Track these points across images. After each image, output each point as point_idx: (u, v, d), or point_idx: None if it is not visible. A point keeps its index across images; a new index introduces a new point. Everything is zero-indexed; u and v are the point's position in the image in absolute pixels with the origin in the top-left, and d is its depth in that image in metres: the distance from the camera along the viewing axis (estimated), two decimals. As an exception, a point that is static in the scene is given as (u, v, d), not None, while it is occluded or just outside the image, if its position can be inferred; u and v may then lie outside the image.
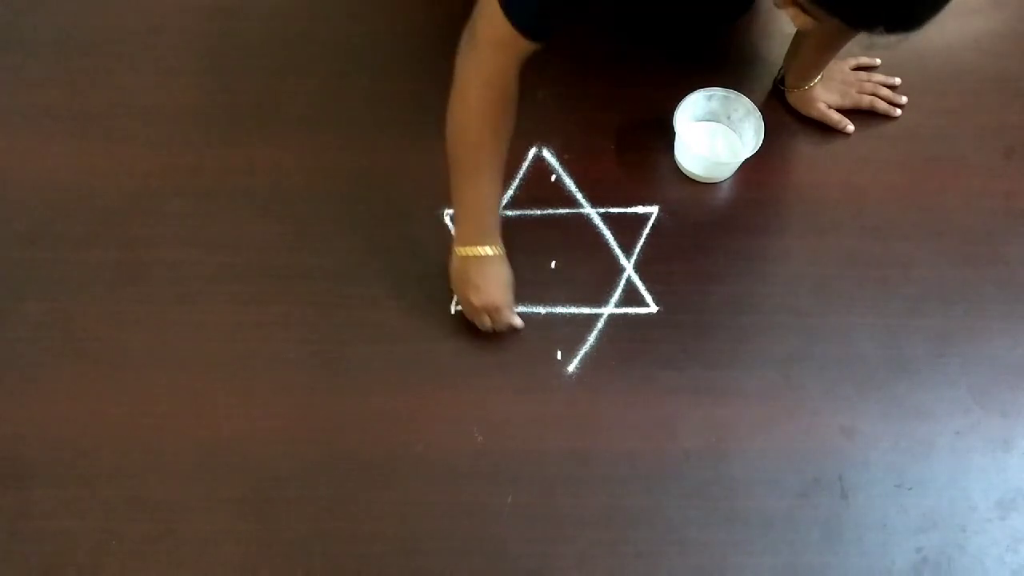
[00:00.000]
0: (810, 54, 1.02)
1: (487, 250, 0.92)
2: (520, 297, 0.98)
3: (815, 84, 1.06)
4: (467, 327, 0.97)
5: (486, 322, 0.94)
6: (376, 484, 0.90)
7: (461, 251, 0.93)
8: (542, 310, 0.98)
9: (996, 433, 0.93)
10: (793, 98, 1.08)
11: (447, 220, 1.03)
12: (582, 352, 0.96)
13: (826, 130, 1.09)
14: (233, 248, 1.02)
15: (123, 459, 0.91)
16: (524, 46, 0.87)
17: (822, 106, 1.07)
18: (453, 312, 0.98)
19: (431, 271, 1.00)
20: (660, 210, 1.04)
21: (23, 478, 0.90)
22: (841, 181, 1.06)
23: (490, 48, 0.88)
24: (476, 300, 0.92)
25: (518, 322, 0.96)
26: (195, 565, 0.87)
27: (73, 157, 1.08)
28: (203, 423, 0.92)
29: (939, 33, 1.18)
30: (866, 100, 1.08)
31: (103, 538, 0.87)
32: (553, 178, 1.06)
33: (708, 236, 1.03)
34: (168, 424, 0.92)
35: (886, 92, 1.10)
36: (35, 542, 0.87)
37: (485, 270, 0.93)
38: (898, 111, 1.09)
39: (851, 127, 1.07)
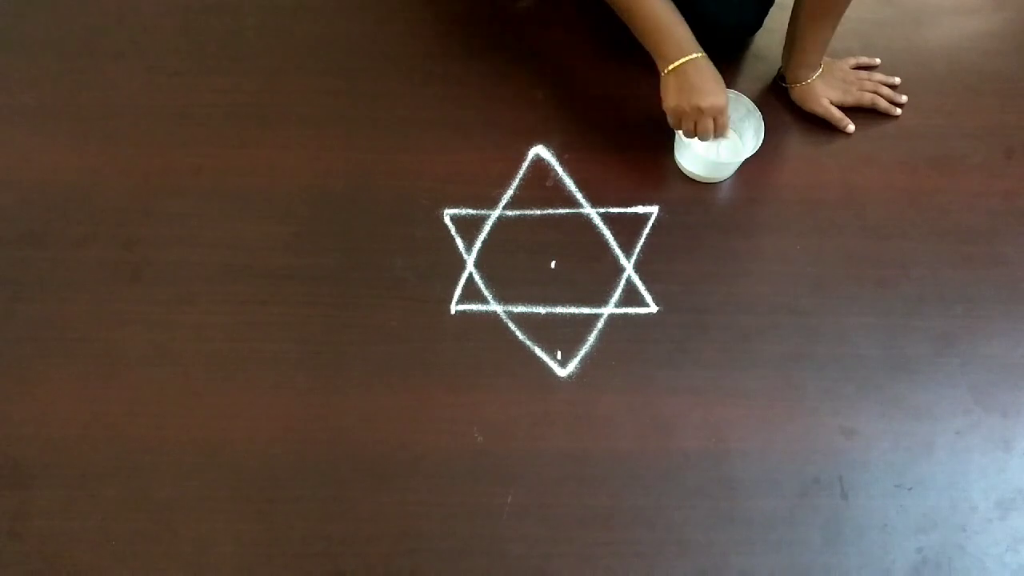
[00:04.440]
0: (806, 35, 1.02)
1: (696, 55, 0.94)
2: (520, 297, 0.98)
3: (816, 78, 1.06)
4: (467, 327, 0.97)
5: (706, 124, 0.96)
6: (376, 484, 0.90)
7: (672, 67, 0.94)
8: (542, 310, 0.98)
9: (996, 433, 0.93)
10: (796, 94, 1.08)
11: (447, 220, 1.03)
12: (582, 352, 0.96)
13: (826, 130, 1.09)
14: (233, 248, 1.02)
15: (123, 459, 0.91)
16: None
17: (825, 102, 1.07)
18: (453, 312, 0.98)
19: (431, 271, 1.00)
20: (660, 210, 1.04)
21: (23, 478, 0.90)
22: (841, 181, 1.06)
23: None
24: (704, 102, 0.94)
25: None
26: (195, 565, 0.87)
27: (73, 157, 1.08)
28: (203, 423, 0.92)
29: (939, 33, 1.18)
30: (867, 97, 1.08)
31: (103, 538, 0.87)
32: (553, 178, 1.06)
33: (708, 236, 1.03)
34: (168, 424, 0.92)
35: (887, 91, 1.10)
36: (35, 542, 0.87)
37: (703, 72, 0.94)
38: (898, 110, 1.09)
39: (852, 126, 1.08)
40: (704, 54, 0.96)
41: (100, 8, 1.19)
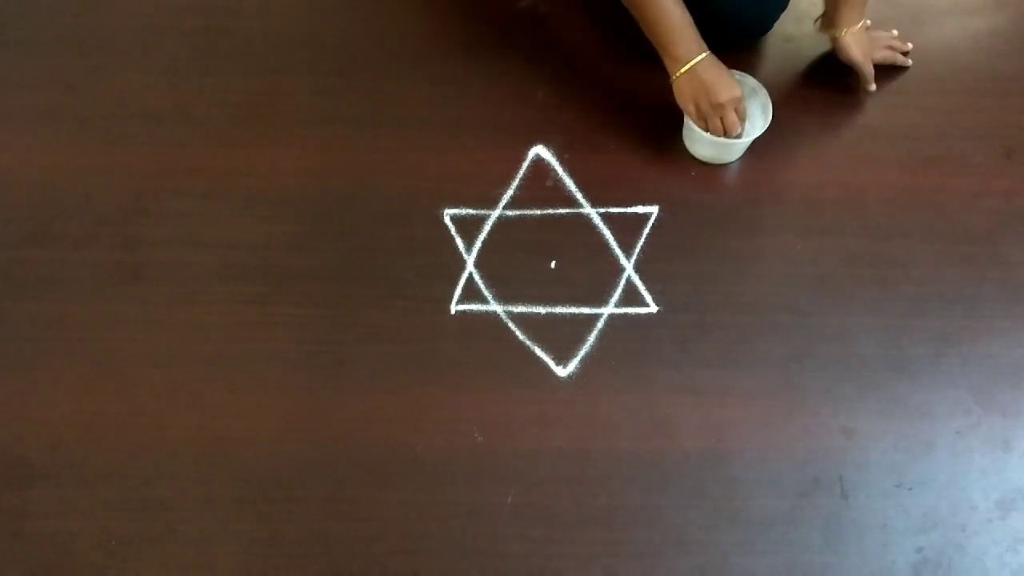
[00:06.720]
0: None
1: (703, 56, 0.97)
2: (520, 297, 0.98)
3: (861, 28, 1.08)
4: (467, 327, 0.97)
5: (731, 118, 0.99)
6: (376, 484, 0.90)
7: (683, 70, 0.98)
8: (542, 310, 0.98)
9: (996, 433, 0.93)
10: (845, 40, 1.08)
11: (447, 220, 1.03)
12: (582, 352, 0.96)
13: (826, 130, 1.09)
14: (233, 248, 1.02)
15: (123, 459, 0.91)
16: None
17: (867, 53, 1.09)
18: (453, 312, 0.98)
19: (431, 271, 1.00)
20: (660, 210, 1.04)
21: (23, 478, 0.90)
22: (841, 181, 1.06)
23: None
24: (723, 97, 0.98)
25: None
26: (195, 565, 0.86)
27: (73, 157, 1.08)
28: (203, 423, 0.92)
29: (939, 33, 1.18)
30: (888, 55, 1.13)
31: (103, 538, 0.87)
32: (553, 178, 1.06)
33: (708, 236, 1.03)
34: (168, 424, 0.92)
35: (898, 44, 1.14)
36: (35, 542, 0.87)
37: (712, 70, 0.98)
38: (909, 61, 1.14)
39: (873, 86, 1.10)
40: (710, 53, 0.98)
41: (101, 8, 1.19)
